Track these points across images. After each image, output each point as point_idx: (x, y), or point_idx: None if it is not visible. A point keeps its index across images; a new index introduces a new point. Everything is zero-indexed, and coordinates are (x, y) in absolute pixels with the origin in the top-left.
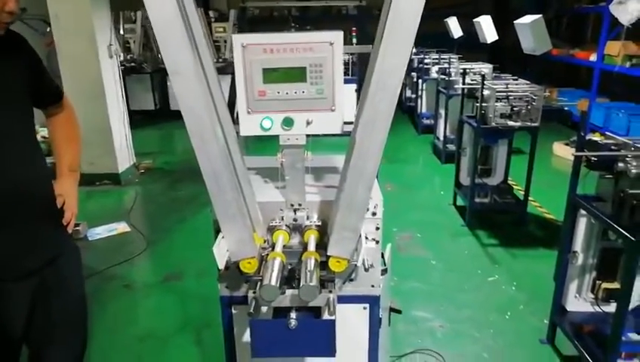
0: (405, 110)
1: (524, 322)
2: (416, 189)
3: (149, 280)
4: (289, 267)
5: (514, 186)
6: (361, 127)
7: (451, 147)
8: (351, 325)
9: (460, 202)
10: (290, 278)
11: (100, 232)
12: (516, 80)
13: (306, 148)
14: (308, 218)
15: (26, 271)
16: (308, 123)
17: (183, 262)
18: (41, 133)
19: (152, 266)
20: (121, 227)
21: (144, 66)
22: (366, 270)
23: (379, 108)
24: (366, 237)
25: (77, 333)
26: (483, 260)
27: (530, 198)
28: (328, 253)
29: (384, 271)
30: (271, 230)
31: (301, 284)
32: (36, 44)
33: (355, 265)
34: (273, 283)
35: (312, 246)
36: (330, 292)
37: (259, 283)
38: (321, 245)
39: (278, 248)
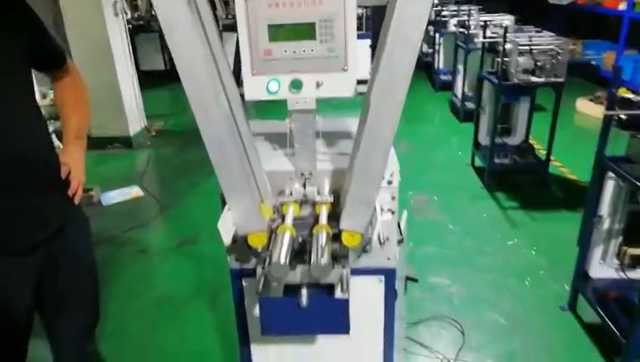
0: (422, 66)
1: (544, 288)
2: (432, 149)
3: (164, 244)
4: (300, 240)
5: (535, 146)
6: (377, 88)
7: (470, 105)
8: (366, 297)
9: (478, 163)
10: (301, 252)
11: (113, 196)
12: (540, 32)
13: (316, 110)
14: (318, 192)
15: (30, 244)
16: (318, 85)
17: (197, 226)
18: (50, 96)
19: (166, 231)
20: (135, 191)
21: (152, 25)
22: (381, 244)
23: (397, 66)
24: (381, 209)
25: (87, 304)
26: (502, 223)
27: (552, 158)
28: (341, 227)
29: (400, 241)
30: (280, 201)
31: (312, 262)
32: (41, 10)
33: (370, 238)
34: (282, 260)
35: (323, 219)
36: (344, 267)
37: (267, 259)
38: (334, 216)
39: (288, 221)
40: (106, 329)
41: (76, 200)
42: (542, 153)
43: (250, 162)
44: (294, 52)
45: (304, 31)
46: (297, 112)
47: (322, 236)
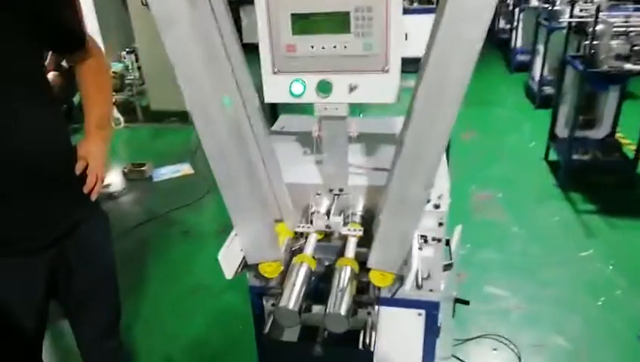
0: (497, 43)
1: (620, 311)
2: (502, 138)
3: (208, 228)
4: (324, 266)
5: (622, 141)
6: (421, 97)
7: (548, 90)
8: (400, 333)
9: (553, 157)
10: (323, 281)
11: (164, 173)
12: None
13: (353, 112)
14: (347, 217)
15: (34, 246)
16: (351, 88)
17: None
18: None
19: (211, 213)
20: (185, 168)
21: None
22: (419, 287)
23: (448, 72)
24: (424, 240)
25: (107, 305)
26: (576, 230)
27: None
28: (368, 265)
29: (448, 266)
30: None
31: (327, 311)
32: None
33: (404, 277)
34: (291, 305)
35: (350, 251)
36: (370, 314)
37: (278, 296)
38: (367, 239)
39: (309, 250)
40: (142, 313)
41: (93, 197)
42: (631, 149)
43: (267, 174)
44: (323, 48)
45: (336, 22)
46: (326, 118)
47: (345, 274)
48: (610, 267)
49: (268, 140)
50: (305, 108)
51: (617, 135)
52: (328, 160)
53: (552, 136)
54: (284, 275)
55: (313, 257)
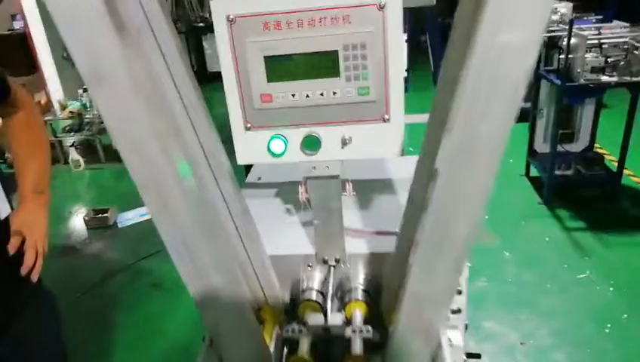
0: None
1: (630, 338)
2: None
3: (179, 278)
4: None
5: (603, 154)
6: (450, 147)
7: (522, 104)
8: None
9: (534, 173)
10: None
11: (130, 217)
12: (610, 22)
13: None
14: (346, 294)
15: None
16: (345, 142)
17: None
18: None
19: None
20: None
21: (178, 26)
22: None
23: (487, 128)
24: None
25: None
26: (568, 250)
27: (625, 169)
28: None
29: (456, 311)
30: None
31: None
32: None
33: None
34: None
35: (357, 347)
36: None
37: None
38: (373, 318)
39: (304, 350)
40: None
41: (34, 278)
42: (611, 162)
43: (244, 247)
44: (307, 96)
45: (321, 64)
46: (315, 179)
47: None
48: (611, 289)
49: (241, 209)
50: None
51: (596, 147)
52: (320, 226)
53: (532, 152)
54: None
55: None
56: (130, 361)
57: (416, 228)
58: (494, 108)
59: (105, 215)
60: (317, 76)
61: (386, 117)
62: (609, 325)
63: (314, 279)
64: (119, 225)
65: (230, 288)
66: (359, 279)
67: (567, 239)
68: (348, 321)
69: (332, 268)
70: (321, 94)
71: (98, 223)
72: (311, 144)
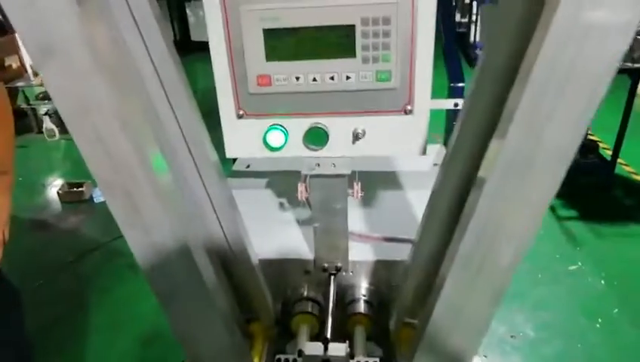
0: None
1: (620, 333)
2: None
3: None
4: None
5: (597, 142)
6: (506, 156)
7: None
8: None
9: None
10: None
11: None
12: None
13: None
14: (348, 303)
15: None
16: (356, 137)
17: None
18: None
19: None
20: None
21: None
22: None
23: (553, 141)
24: None
25: None
26: (560, 240)
27: (619, 159)
28: None
29: None
30: (288, 311)
31: None
32: None
33: None
34: None
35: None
36: None
37: None
38: (376, 335)
39: None
40: None
41: None
42: (605, 151)
43: (231, 250)
44: (314, 80)
45: (333, 41)
46: (319, 178)
47: None
48: (602, 281)
49: (228, 205)
50: None
51: (589, 135)
52: (321, 230)
53: None
54: None
55: None
56: (106, 344)
57: (438, 241)
58: (567, 108)
59: (80, 189)
60: (327, 56)
61: (409, 108)
62: (600, 320)
63: (311, 287)
64: (95, 201)
65: (212, 299)
66: (362, 290)
67: (559, 229)
68: (350, 343)
69: (332, 277)
70: (332, 78)
71: (73, 198)
72: (316, 137)
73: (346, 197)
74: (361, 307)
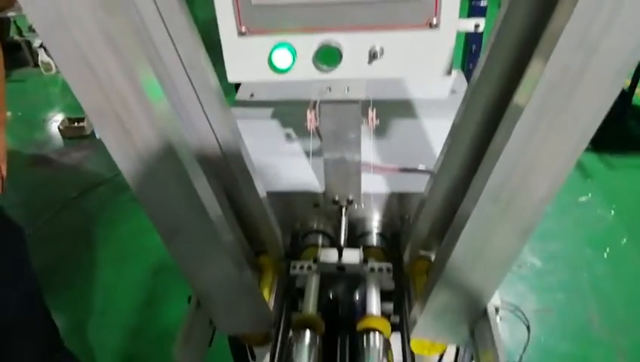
0: None
1: (628, 263)
2: None
3: None
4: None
5: None
6: (540, 84)
7: None
8: None
9: None
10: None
11: None
12: None
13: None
14: (360, 239)
15: None
16: (373, 55)
17: None
18: None
19: None
20: None
21: None
22: None
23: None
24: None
25: (31, 336)
26: (571, 171)
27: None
28: (413, 335)
29: None
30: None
31: None
32: None
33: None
34: None
35: (374, 304)
36: None
37: None
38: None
39: (310, 305)
40: (95, 304)
41: None
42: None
43: (237, 181)
44: None
45: None
46: (329, 103)
47: (374, 354)
48: (612, 212)
49: (233, 135)
50: None
51: None
52: (332, 162)
53: None
54: (275, 342)
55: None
56: (115, 278)
57: (460, 172)
58: (627, 14)
59: (81, 124)
60: None
61: (434, 21)
62: (607, 249)
63: (321, 221)
64: (97, 136)
65: (217, 232)
66: (375, 223)
67: None
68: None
69: (344, 210)
70: None
71: (74, 133)
72: (328, 56)
73: (360, 125)
74: (374, 240)
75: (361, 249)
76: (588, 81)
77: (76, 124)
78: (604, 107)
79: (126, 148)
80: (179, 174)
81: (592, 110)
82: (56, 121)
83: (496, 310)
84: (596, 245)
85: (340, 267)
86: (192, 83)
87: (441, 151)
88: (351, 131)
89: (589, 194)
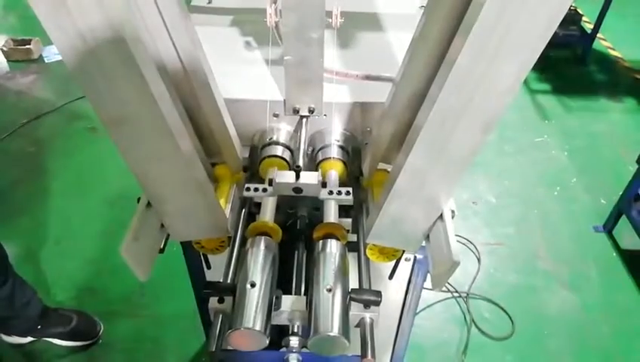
0: None
1: (575, 201)
2: None
3: None
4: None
5: (580, 15)
6: None
7: None
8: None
9: None
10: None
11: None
12: None
13: None
14: (319, 151)
15: None
16: None
17: None
18: None
19: None
20: None
21: None
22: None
23: None
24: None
25: None
26: (530, 113)
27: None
28: (368, 239)
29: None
30: (255, 157)
31: (311, 328)
32: None
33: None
34: (258, 327)
35: (331, 213)
36: (369, 307)
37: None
38: (350, 179)
39: (267, 217)
40: (49, 233)
41: None
42: (587, 25)
43: (192, 86)
44: None
45: None
46: None
47: (330, 254)
48: (565, 153)
49: (190, 39)
50: None
51: (572, 6)
52: (292, 63)
53: None
54: (232, 250)
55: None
56: (70, 208)
57: (421, 83)
58: None
59: (28, 47)
60: None
61: None
62: (558, 188)
63: (280, 131)
64: (46, 60)
65: (173, 140)
66: (337, 134)
67: (531, 102)
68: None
69: (305, 120)
70: None
71: (20, 56)
72: None
73: (323, 24)
74: (334, 151)
75: (319, 172)
76: None
77: (22, 46)
78: None
79: (61, 18)
80: (124, 55)
81: None
82: None
83: (452, 213)
84: (548, 184)
85: (297, 189)
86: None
87: (404, 59)
88: (313, 30)
89: (545, 136)
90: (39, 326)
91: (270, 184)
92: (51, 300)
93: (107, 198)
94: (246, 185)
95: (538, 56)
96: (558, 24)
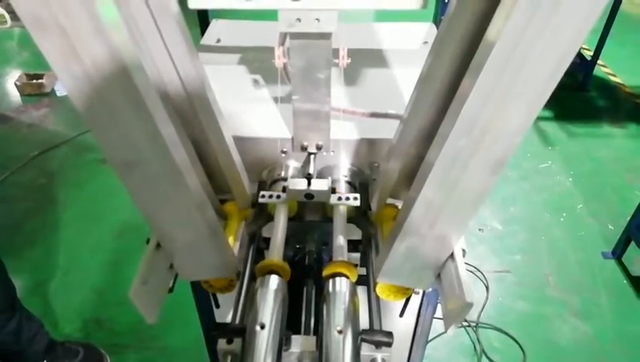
0: None
1: (582, 226)
2: None
3: None
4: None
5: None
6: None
7: None
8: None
9: None
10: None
11: None
12: None
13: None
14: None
15: None
16: None
17: None
18: None
19: None
20: None
21: None
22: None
23: None
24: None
25: None
26: (533, 139)
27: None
28: (378, 280)
29: None
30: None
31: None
32: None
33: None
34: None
35: (341, 252)
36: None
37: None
38: (356, 216)
39: (275, 254)
40: (57, 264)
41: None
42: (586, 52)
43: (201, 124)
44: None
45: None
46: (298, 37)
47: (340, 295)
48: (570, 179)
49: (198, 76)
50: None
51: None
52: (301, 103)
53: None
54: (240, 287)
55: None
56: (79, 238)
57: (430, 118)
58: None
59: (40, 81)
60: None
61: None
62: (564, 214)
63: (289, 168)
64: (58, 94)
65: (183, 181)
66: (344, 170)
67: (533, 127)
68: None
69: (312, 156)
70: None
71: (33, 90)
72: None
73: (330, 64)
74: (342, 187)
75: (329, 179)
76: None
77: (35, 80)
78: (582, 31)
79: (76, 73)
80: (135, 101)
81: (571, 32)
82: (12, 77)
83: (463, 252)
84: (554, 210)
85: (309, 195)
86: (149, 10)
87: (411, 97)
88: (321, 70)
89: (549, 162)
90: (45, 361)
91: (284, 191)
92: (58, 333)
93: (116, 229)
94: (261, 193)
95: (549, 97)
96: (568, 64)
